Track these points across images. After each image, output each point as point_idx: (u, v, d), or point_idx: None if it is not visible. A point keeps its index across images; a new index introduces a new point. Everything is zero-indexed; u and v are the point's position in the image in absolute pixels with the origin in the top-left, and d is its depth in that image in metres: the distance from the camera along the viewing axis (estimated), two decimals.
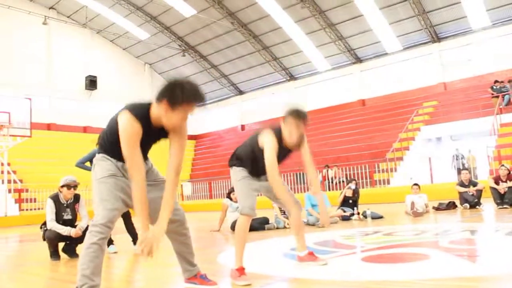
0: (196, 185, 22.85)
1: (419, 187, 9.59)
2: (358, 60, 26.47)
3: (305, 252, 3.86)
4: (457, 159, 17.19)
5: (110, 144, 2.77)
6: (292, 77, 29.39)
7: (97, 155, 2.90)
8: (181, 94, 2.62)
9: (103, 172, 2.79)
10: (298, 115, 3.55)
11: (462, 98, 20.35)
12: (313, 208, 8.14)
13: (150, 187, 2.87)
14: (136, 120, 2.66)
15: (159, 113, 2.68)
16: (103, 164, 2.82)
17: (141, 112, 2.70)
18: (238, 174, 3.68)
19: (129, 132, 2.65)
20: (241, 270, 3.32)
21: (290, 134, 3.56)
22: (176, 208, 2.97)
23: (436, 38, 23.42)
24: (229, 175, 3.84)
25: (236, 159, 3.73)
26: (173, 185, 2.81)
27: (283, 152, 3.66)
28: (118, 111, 2.75)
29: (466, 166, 16.35)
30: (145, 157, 2.97)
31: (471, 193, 9.73)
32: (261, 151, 3.55)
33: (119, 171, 2.82)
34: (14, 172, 19.41)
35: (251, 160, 3.65)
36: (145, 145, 2.84)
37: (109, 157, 2.81)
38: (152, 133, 2.78)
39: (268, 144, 3.53)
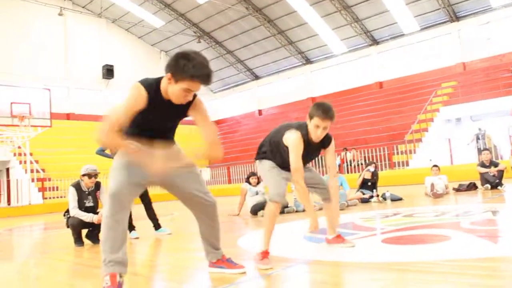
0: (215, 170, 22.97)
1: (438, 168, 9.51)
2: (375, 42, 26.10)
3: (334, 235, 3.90)
4: (478, 139, 16.93)
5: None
6: (308, 61, 29.17)
7: None
8: (184, 66, 2.54)
9: (121, 153, 2.81)
10: (324, 113, 3.43)
11: (482, 77, 19.96)
12: None
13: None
14: (143, 88, 2.64)
15: (166, 85, 2.65)
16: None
17: (150, 83, 2.68)
18: (266, 165, 3.68)
19: (132, 94, 2.64)
20: (265, 254, 3.37)
21: (314, 133, 3.50)
22: (208, 193, 3.05)
23: (455, 17, 22.92)
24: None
25: (263, 153, 3.73)
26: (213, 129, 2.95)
27: (312, 149, 3.62)
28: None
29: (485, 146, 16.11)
30: (164, 136, 2.91)
31: (492, 174, 9.60)
32: (287, 150, 3.54)
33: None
34: (37, 161, 19.78)
35: (280, 158, 3.63)
36: (159, 120, 2.80)
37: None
38: (165, 107, 2.71)
39: (293, 147, 3.50)
